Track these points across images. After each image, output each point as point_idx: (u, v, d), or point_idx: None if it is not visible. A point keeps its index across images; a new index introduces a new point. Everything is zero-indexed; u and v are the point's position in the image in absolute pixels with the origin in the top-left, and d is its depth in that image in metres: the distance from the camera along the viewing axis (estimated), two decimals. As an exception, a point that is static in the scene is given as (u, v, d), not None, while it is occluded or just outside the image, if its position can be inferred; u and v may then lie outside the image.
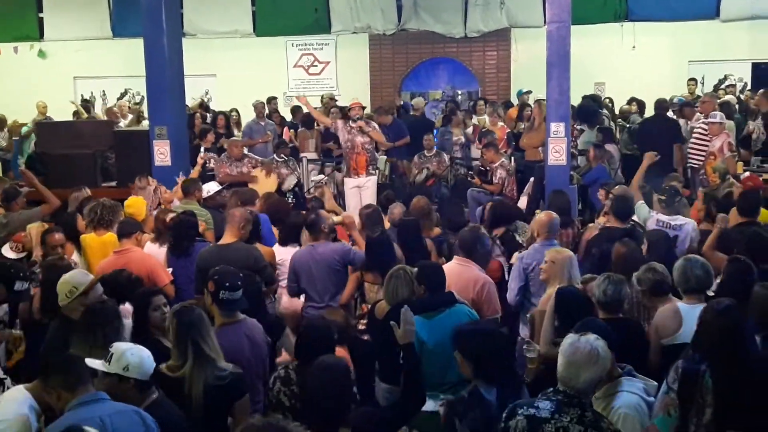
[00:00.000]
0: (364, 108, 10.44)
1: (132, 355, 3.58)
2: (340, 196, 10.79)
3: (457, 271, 5.45)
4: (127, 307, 5.15)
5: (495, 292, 5.55)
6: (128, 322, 4.90)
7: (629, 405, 3.57)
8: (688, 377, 3.53)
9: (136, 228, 6.39)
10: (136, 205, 7.38)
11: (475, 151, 12.07)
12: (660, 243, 5.89)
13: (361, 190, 10.14)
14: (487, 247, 5.82)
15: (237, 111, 14.43)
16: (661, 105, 11.23)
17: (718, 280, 5.18)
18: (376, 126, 10.54)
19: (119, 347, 3.65)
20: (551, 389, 3.31)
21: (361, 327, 5.63)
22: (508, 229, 6.93)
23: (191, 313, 4.06)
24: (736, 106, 12.49)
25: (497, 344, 3.84)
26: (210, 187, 8.42)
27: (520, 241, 6.79)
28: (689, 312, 4.46)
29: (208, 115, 14.00)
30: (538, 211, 7.85)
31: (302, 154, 12.15)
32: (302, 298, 6.26)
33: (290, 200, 9.92)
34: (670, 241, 6.19)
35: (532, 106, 11.60)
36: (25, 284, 5.25)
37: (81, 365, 3.50)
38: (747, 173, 8.83)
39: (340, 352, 4.76)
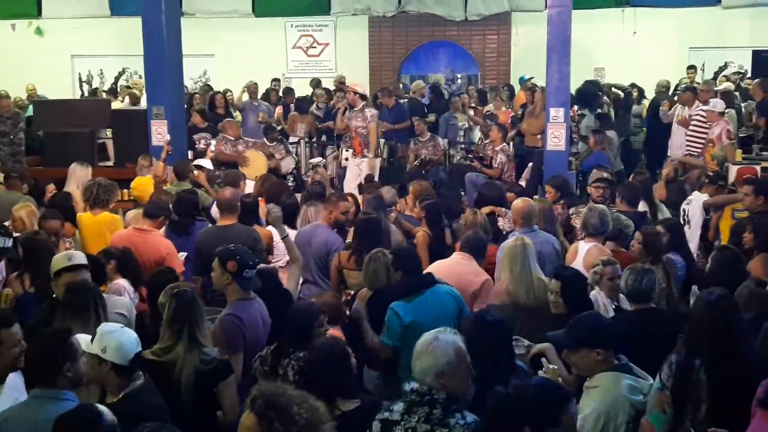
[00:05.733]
0: (357, 93, 10.39)
1: (111, 338, 3.44)
2: (338, 179, 10.79)
3: (452, 264, 5.51)
4: (122, 283, 5.17)
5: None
6: (122, 299, 4.92)
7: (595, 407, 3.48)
8: (682, 372, 3.42)
9: (162, 212, 6.29)
10: (141, 186, 7.30)
11: (477, 136, 12.03)
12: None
13: (361, 172, 10.19)
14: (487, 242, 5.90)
15: (231, 91, 14.30)
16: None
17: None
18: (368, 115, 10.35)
19: (104, 328, 3.55)
20: (410, 389, 3.29)
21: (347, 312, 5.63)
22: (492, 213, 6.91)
23: (188, 296, 4.03)
24: (737, 94, 12.46)
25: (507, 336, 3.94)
26: (202, 162, 8.49)
27: (501, 227, 6.77)
28: (584, 247, 5.79)
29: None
30: (536, 196, 7.83)
31: (291, 137, 12.08)
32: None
33: (291, 183, 9.90)
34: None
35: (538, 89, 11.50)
36: (8, 240, 5.31)
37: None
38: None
39: (335, 332, 4.75)
